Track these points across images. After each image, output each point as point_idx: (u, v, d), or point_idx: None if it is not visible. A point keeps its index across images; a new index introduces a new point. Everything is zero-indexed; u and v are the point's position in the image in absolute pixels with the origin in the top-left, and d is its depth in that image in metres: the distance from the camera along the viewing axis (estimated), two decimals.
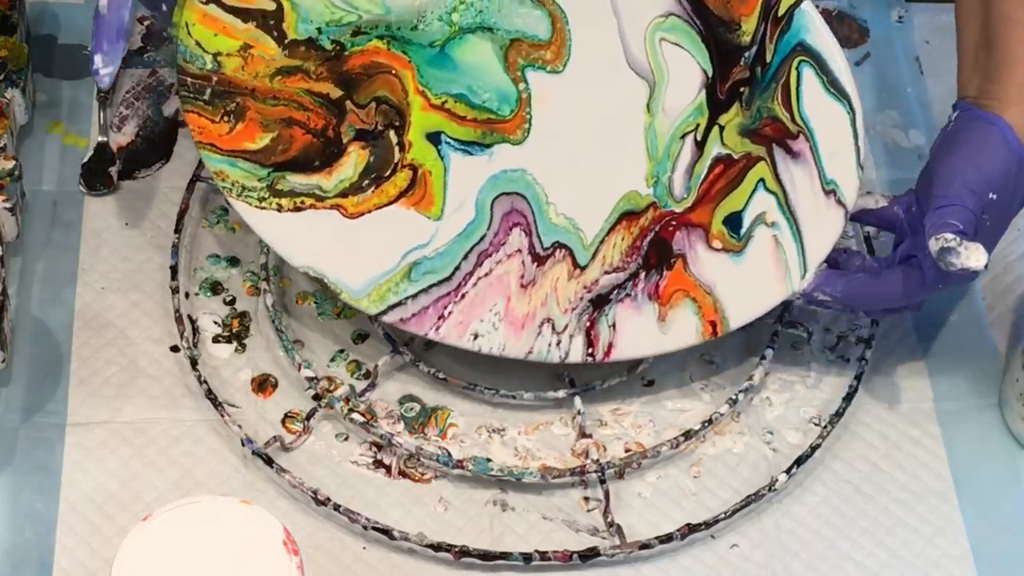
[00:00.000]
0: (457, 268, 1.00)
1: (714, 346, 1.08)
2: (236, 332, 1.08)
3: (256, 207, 0.98)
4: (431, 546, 0.99)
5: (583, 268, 1.01)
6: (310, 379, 1.05)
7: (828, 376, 1.09)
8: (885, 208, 1.05)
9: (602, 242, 1.01)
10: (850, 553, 1.01)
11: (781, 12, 1.00)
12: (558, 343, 1.00)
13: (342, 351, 1.07)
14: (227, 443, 1.04)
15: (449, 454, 1.03)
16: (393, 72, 0.99)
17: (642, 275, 1.02)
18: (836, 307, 1.04)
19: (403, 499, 1.02)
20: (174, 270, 1.09)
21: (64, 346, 1.08)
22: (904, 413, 1.08)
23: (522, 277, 1.00)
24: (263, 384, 1.07)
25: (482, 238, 1.00)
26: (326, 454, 1.04)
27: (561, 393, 1.06)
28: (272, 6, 0.98)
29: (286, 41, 0.98)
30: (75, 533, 1.00)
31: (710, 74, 1.01)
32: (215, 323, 1.09)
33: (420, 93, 0.99)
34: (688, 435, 1.04)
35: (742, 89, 1.02)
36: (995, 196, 0.99)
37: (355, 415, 1.04)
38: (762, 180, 1.02)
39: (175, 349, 1.08)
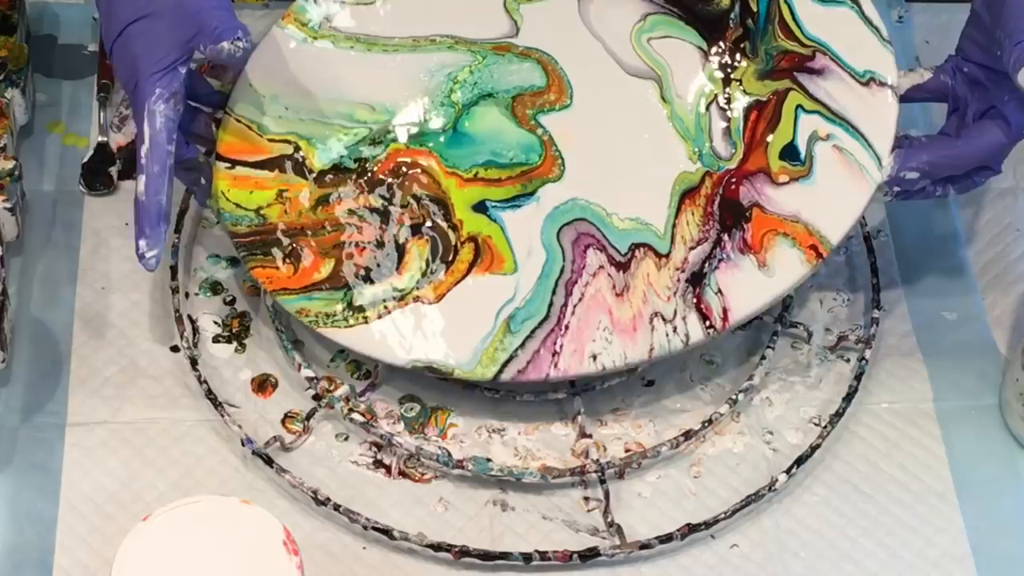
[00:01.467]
0: (551, 305, 1.00)
1: (714, 346, 1.08)
2: (236, 332, 1.08)
3: (346, 328, 0.99)
4: (431, 546, 1.00)
5: (667, 255, 1.01)
6: (310, 379, 1.05)
7: (828, 376, 1.09)
8: (932, 79, 1.06)
9: (675, 225, 1.02)
10: (850, 553, 1.01)
11: None
12: (674, 330, 0.99)
13: (342, 351, 1.07)
14: (227, 443, 1.04)
15: (449, 454, 1.03)
16: (420, 167, 1.01)
17: (725, 237, 1.02)
18: (927, 185, 1.04)
19: (403, 499, 1.02)
20: (174, 270, 1.09)
21: (64, 346, 1.08)
22: (904, 413, 1.08)
23: (614, 288, 1.01)
24: (263, 384, 1.07)
25: (562, 270, 1.01)
26: (326, 454, 1.04)
27: (561, 393, 1.06)
28: (290, 148, 1.02)
29: (314, 175, 1.01)
30: (75, 533, 1.00)
31: (706, 48, 1.05)
32: (215, 323, 1.09)
33: (451, 175, 1.02)
34: (688, 435, 1.04)
35: (743, 44, 1.04)
36: None
37: (355, 415, 1.04)
38: (799, 106, 1.04)
39: (175, 349, 1.08)
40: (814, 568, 1.01)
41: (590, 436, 1.05)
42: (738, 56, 1.06)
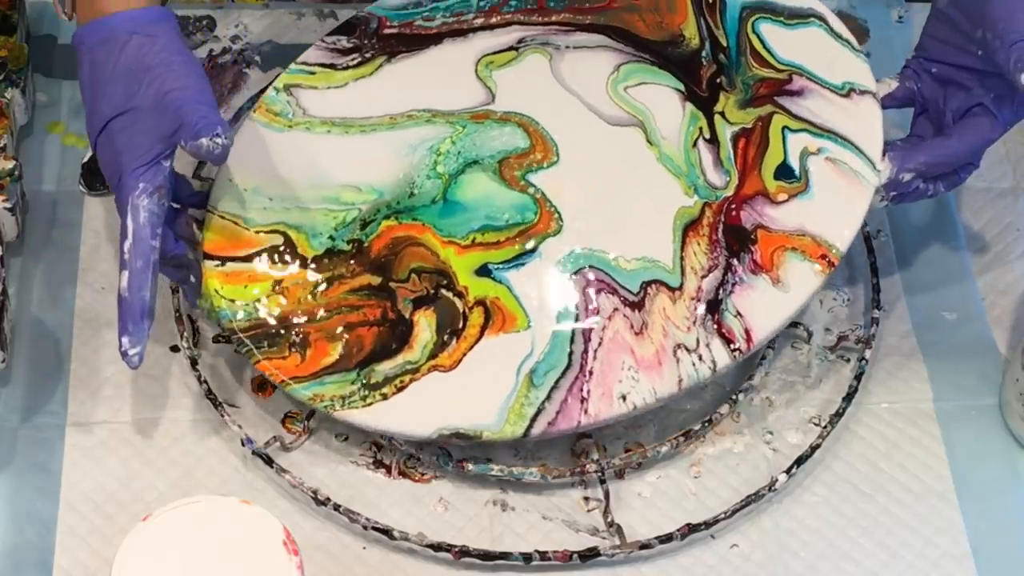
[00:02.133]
0: (571, 353, 0.99)
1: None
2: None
3: (363, 407, 0.98)
4: (431, 546, 1.00)
5: (680, 287, 1.01)
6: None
7: (828, 376, 1.09)
8: (899, 87, 1.08)
9: (682, 258, 1.02)
10: (850, 553, 1.01)
11: None
12: (700, 358, 1.00)
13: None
14: (227, 443, 1.04)
15: (449, 454, 1.03)
16: (415, 240, 1.01)
17: (735, 261, 1.02)
18: (923, 186, 1.05)
19: (403, 499, 1.02)
20: None
21: (64, 346, 1.08)
22: (904, 413, 1.08)
23: (632, 327, 1.00)
24: (263, 384, 1.06)
25: (576, 318, 1.00)
26: (326, 454, 1.04)
27: None
28: (280, 239, 1.01)
29: (308, 261, 1.01)
30: (75, 533, 1.00)
31: (683, 89, 1.06)
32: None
33: (449, 244, 1.01)
34: (688, 435, 1.04)
35: (719, 79, 1.06)
36: None
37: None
38: (785, 127, 1.05)
39: (175, 349, 1.08)
40: (814, 568, 1.01)
41: (590, 436, 1.04)
42: (716, 91, 1.07)
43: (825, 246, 1.02)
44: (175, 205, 1.03)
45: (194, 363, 1.06)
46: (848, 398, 1.06)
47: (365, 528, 1.00)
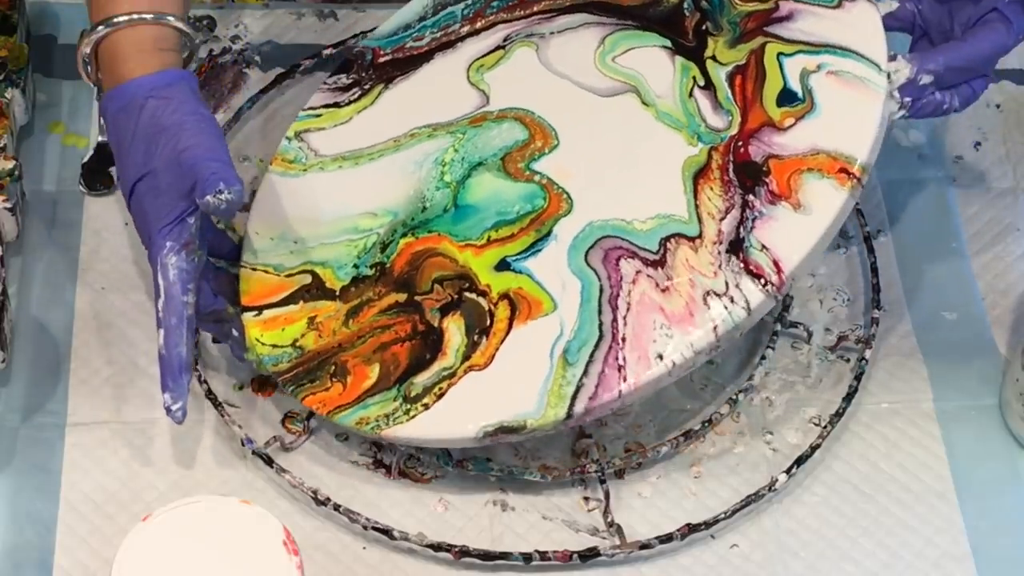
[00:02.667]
0: (601, 325, 0.99)
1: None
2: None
3: (407, 421, 0.98)
4: (431, 546, 1.00)
5: (699, 235, 1.00)
6: None
7: (828, 376, 1.09)
8: (899, 8, 1.06)
9: (697, 206, 1.01)
10: (850, 553, 1.01)
11: None
12: (731, 300, 0.98)
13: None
14: (227, 443, 1.04)
15: (449, 454, 1.03)
16: (433, 251, 1.02)
17: (750, 197, 1.00)
18: (939, 96, 1.04)
19: (403, 499, 1.02)
20: None
21: (64, 346, 1.08)
22: (904, 413, 1.08)
23: (657, 286, 0.99)
24: (263, 384, 1.07)
25: (601, 289, 1.00)
26: (326, 454, 1.04)
27: None
28: (308, 278, 1.03)
29: (337, 293, 1.02)
30: (75, 533, 1.00)
31: (670, 45, 1.05)
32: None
33: (465, 247, 1.02)
34: (688, 435, 1.04)
35: (704, 26, 1.05)
36: None
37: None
38: (779, 53, 1.04)
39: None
40: (814, 568, 1.01)
41: (590, 436, 1.05)
42: (703, 38, 1.06)
43: (842, 159, 1.00)
44: (216, 261, 1.05)
45: (194, 363, 1.06)
46: (848, 398, 1.06)
47: (365, 528, 1.00)
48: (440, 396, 0.98)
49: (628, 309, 0.99)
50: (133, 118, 0.99)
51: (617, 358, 0.98)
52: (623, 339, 0.98)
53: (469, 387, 0.98)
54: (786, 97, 1.03)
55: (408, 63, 1.09)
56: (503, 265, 1.01)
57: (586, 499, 1.03)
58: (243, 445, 1.03)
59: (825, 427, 1.05)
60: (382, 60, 1.09)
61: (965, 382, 1.09)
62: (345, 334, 1.01)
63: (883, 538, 1.02)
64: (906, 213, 1.17)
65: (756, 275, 0.98)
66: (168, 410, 0.98)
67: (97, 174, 1.15)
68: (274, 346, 1.02)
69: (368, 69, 1.09)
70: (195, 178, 0.96)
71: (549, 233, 1.02)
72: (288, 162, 1.08)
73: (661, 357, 0.97)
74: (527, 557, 0.99)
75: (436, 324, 1.00)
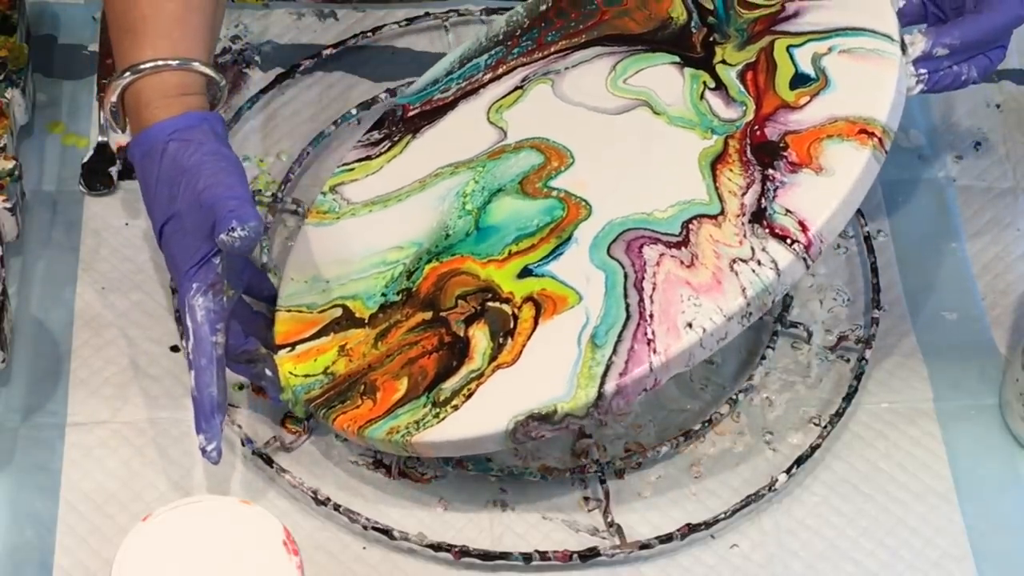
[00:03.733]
0: (627, 306, 0.98)
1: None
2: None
3: (438, 424, 0.98)
4: (431, 546, 1.00)
5: (722, 212, 1.00)
6: None
7: (828, 376, 1.09)
8: (907, 3, 1.07)
9: (716, 187, 1.00)
10: (850, 553, 1.01)
11: None
12: (759, 263, 0.97)
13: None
14: (227, 443, 1.04)
15: None
16: (457, 271, 1.03)
17: (770, 171, 1.00)
18: (956, 68, 1.04)
19: (403, 499, 1.02)
20: None
21: (64, 346, 1.08)
22: (904, 413, 1.08)
23: (682, 263, 0.98)
24: None
25: (625, 276, 0.99)
26: (326, 454, 1.04)
27: None
28: (339, 311, 1.04)
29: (366, 321, 1.03)
30: (75, 533, 1.00)
31: (678, 59, 1.06)
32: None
33: (488, 263, 1.03)
34: (688, 435, 1.04)
35: (712, 38, 1.06)
36: None
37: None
38: (789, 46, 1.04)
39: (175, 349, 1.08)
40: (814, 568, 1.01)
41: (590, 436, 1.05)
42: (711, 47, 1.07)
43: (861, 122, 0.99)
44: (255, 303, 1.06)
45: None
46: (848, 398, 1.06)
47: (365, 528, 1.00)
48: (469, 396, 0.98)
49: (654, 288, 0.98)
50: (156, 162, 0.99)
51: (646, 333, 0.97)
52: (651, 315, 0.97)
53: (498, 384, 0.98)
54: (799, 80, 1.03)
55: (434, 113, 1.12)
56: (525, 272, 1.02)
57: (586, 499, 1.03)
58: (243, 445, 1.03)
59: (825, 427, 1.05)
60: (411, 114, 1.12)
61: (965, 382, 1.09)
62: (374, 355, 1.02)
63: (883, 538, 1.02)
64: (906, 213, 1.17)
65: (782, 237, 0.97)
66: (203, 451, 0.98)
67: (97, 174, 1.15)
68: (306, 376, 1.02)
69: (398, 123, 1.12)
70: (214, 218, 0.96)
71: (570, 238, 1.02)
72: (323, 213, 1.10)
73: (691, 326, 0.96)
74: (527, 557, 0.99)
75: (462, 334, 1.00)
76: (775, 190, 0.99)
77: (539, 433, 0.97)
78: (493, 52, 1.13)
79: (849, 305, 1.12)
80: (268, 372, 1.03)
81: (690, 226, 0.99)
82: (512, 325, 0.99)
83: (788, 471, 1.03)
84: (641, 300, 0.98)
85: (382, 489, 1.03)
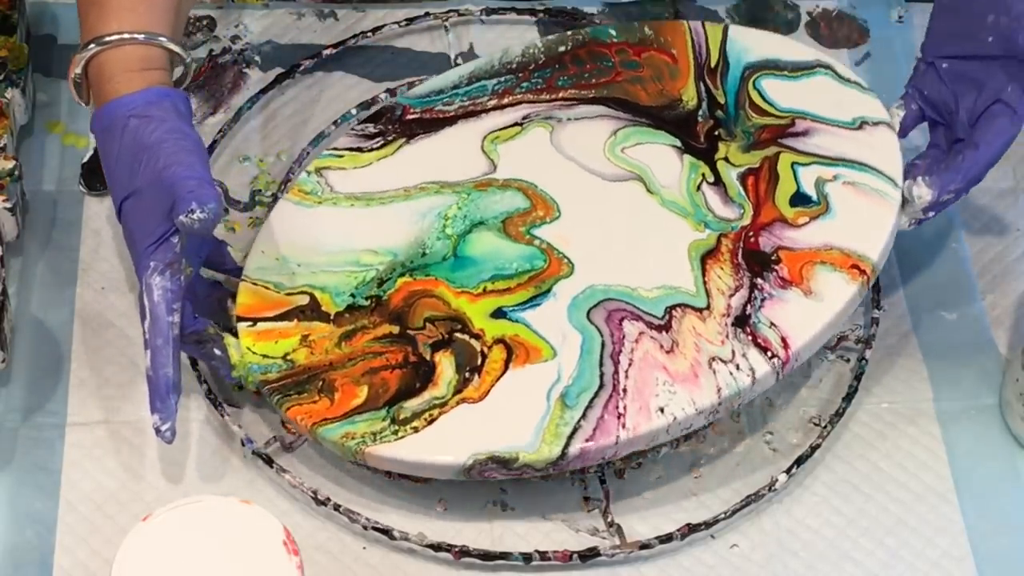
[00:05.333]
0: (602, 375, 1.00)
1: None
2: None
3: (396, 440, 0.98)
4: (431, 546, 1.00)
5: (707, 307, 1.02)
6: None
7: (828, 376, 1.09)
8: (906, 115, 1.08)
9: (705, 282, 1.03)
10: (850, 553, 1.01)
11: (714, 62, 1.10)
12: (737, 367, 0.99)
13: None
14: (227, 443, 1.04)
15: None
16: (429, 293, 1.04)
17: (760, 280, 1.02)
18: (956, 199, 1.06)
19: (403, 499, 1.02)
20: None
21: (64, 346, 1.08)
22: (904, 413, 1.08)
23: (662, 347, 1.00)
24: None
25: (603, 344, 1.01)
26: (326, 454, 1.04)
27: None
28: (306, 299, 1.04)
29: (331, 317, 1.04)
30: (75, 533, 1.00)
31: (679, 143, 1.08)
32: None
33: (461, 294, 1.04)
34: (688, 435, 1.04)
35: (716, 132, 1.08)
36: None
37: None
38: (794, 163, 1.06)
39: (195, 364, 1.07)
40: (814, 568, 1.01)
41: None
42: (715, 141, 1.09)
43: (854, 257, 1.02)
44: (214, 275, 1.06)
45: (194, 363, 1.06)
46: (848, 398, 1.06)
47: (365, 528, 1.00)
48: (431, 422, 0.99)
49: (631, 364, 1.00)
50: (117, 137, 0.99)
51: (617, 407, 0.99)
52: (624, 390, 0.99)
53: (461, 417, 0.99)
54: (800, 199, 1.05)
55: (432, 124, 1.12)
56: (499, 314, 1.03)
57: (586, 499, 1.03)
58: (243, 445, 1.03)
59: (825, 427, 1.05)
60: (409, 117, 1.13)
61: (965, 382, 1.09)
62: (337, 354, 1.02)
63: (883, 538, 1.02)
64: None
65: (764, 348, 1.00)
66: (157, 430, 0.98)
67: (97, 174, 1.15)
68: (265, 356, 1.02)
69: (395, 123, 1.12)
70: (173, 198, 0.96)
71: (549, 291, 1.03)
72: (304, 193, 1.10)
73: (663, 410, 0.98)
74: (527, 557, 0.99)
75: (428, 358, 1.01)
76: (763, 300, 1.01)
77: (492, 474, 0.98)
78: (503, 79, 1.14)
79: None
80: (217, 352, 1.03)
81: (674, 312, 1.01)
82: (480, 362, 1.01)
83: (788, 471, 1.03)
84: (616, 372, 0.99)
85: (382, 489, 1.03)
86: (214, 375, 1.05)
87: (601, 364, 1.00)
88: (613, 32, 1.13)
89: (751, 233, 1.04)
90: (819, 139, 1.07)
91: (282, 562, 0.89)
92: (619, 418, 0.98)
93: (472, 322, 1.02)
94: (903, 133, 1.09)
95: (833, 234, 1.03)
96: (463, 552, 0.99)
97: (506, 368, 1.00)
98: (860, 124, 1.07)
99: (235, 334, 1.03)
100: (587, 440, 0.97)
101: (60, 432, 1.04)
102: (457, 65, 1.21)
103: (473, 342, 1.01)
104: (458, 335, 1.02)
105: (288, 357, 1.02)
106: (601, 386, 0.99)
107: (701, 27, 1.13)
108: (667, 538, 1.00)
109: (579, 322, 1.01)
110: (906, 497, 1.04)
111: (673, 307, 1.02)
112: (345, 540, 1.01)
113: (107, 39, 1.00)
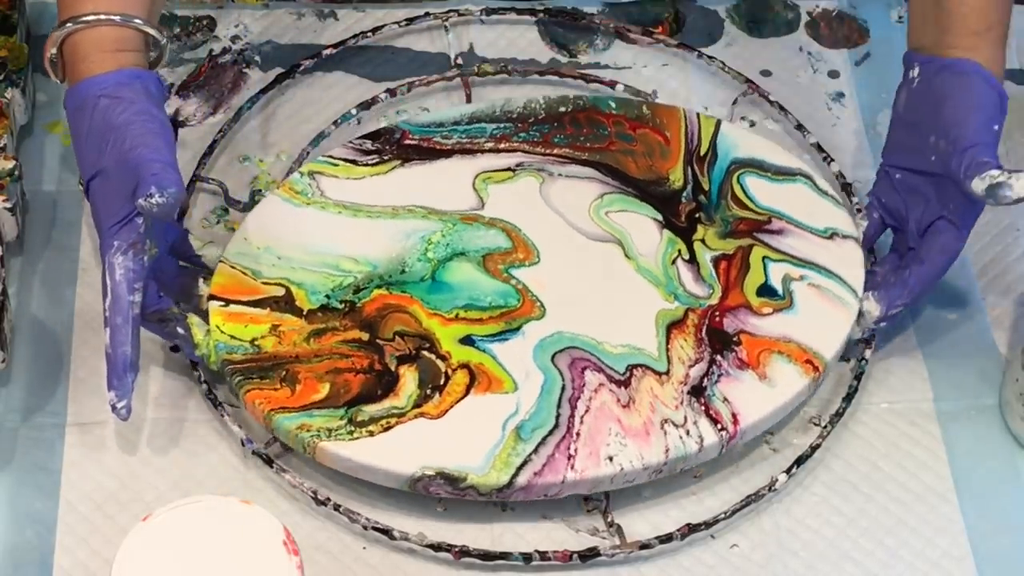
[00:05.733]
0: (558, 416, 1.02)
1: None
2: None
3: (349, 440, 1.00)
4: (431, 546, 1.00)
5: (667, 372, 1.04)
6: None
7: (828, 376, 1.09)
8: (868, 225, 1.11)
9: (668, 349, 1.05)
10: (850, 553, 1.01)
11: (703, 151, 1.15)
12: (687, 433, 1.01)
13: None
14: (227, 443, 1.04)
15: None
16: (402, 308, 1.06)
17: (719, 357, 1.05)
18: (906, 308, 1.08)
19: (403, 499, 1.02)
20: None
21: (64, 346, 1.08)
22: (904, 413, 1.08)
23: (619, 401, 1.03)
24: None
25: (563, 388, 1.03)
26: None
27: None
28: (281, 291, 1.06)
29: (304, 313, 1.06)
30: (75, 533, 1.00)
31: (661, 218, 1.11)
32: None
33: (433, 316, 1.06)
34: None
35: (697, 215, 1.12)
36: (998, 128, 1.03)
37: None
38: (765, 257, 1.10)
39: (175, 349, 1.07)
40: (814, 568, 1.01)
41: None
42: (695, 223, 1.12)
43: (810, 352, 1.05)
44: (183, 263, 1.07)
45: (194, 363, 1.06)
46: (848, 398, 1.07)
47: (365, 528, 1.00)
48: (387, 429, 1.01)
49: (587, 411, 1.02)
50: (87, 117, 1.00)
51: (569, 448, 1.01)
52: (577, 434, 1.01)
53: (417, 430, 1.01)
54: (766, 290, 1.08)
55: (428, 152, 1.14)
56: (468, 341, 1.05)
57: (586, 499, 1.03)
58: (243, 445, 1.03)
59: (825, 427, 1.05)
60: (407, 142, 1.15)
61: (965, 382, 1.09)
62: (304, 349, 1.04)
63: (883, 538, 1.02)
64: None
65: (715, 420, 1.02)
66: (113, 407, 0.99)
67: None
68: (232, 337, 1.04)
69: (393, 144, 1.14)
70: (137, 180, 0.97)
71: (518, 328, 1.06)
72: (295, 192, 1.12)
73: (611, 459, 1.00)
74: (527, 557, 0.99)
75: (393, 368, 1.03)
76: (719, 376, 1.04)
77: (437, 490, 1.00)
78: (502, 125, 1.16)
79: None
80: (180, 331, 1.03)
81: (634, 371, 1.04)
82: (443, 382, 1.03)
83: (788, 471, 1.03)
84: (572, 416, 1.02)
85: (382, 489, 1.03)
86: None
87: (559, 406, 1.02)
88: (613, 104, 1.17)
89: (717, 313, 1.07)
90: (792, 240, 1.10)
91: (282, 562, 0.89)
92: (569, 459, 1.00)
93: (440, 343, 1.05)
94: (868, 244, 1.11)
95: (793, 328, 1.06)
96: (463, 552, 0.99)
97: (467, 392, 1.03)
98: (831, 235, 1.10)
99: (201, 316, 1.04)
100: (535, 474, 1.00)
101: (60, 432, 1.04)
102: (457, 65, 1.21)
103: (439, 362, 1.04)
104: (425, 353, 1.04)
105: (256, 342, 1.04)
106: (556, 426, 1.01)
107: (696, 117, 1.16)
108: (667, 538, 1.00)
109: (543, 363, 1.04)
110: (906, 497, 1.04)
111: (635, 366, 1.04)
112: (345, 540, 1.01)
113: (83, 19, 1.01)
